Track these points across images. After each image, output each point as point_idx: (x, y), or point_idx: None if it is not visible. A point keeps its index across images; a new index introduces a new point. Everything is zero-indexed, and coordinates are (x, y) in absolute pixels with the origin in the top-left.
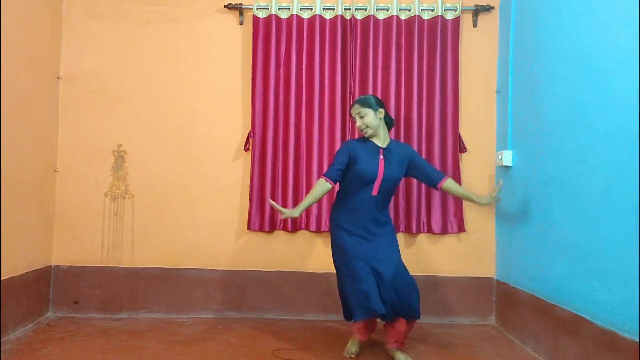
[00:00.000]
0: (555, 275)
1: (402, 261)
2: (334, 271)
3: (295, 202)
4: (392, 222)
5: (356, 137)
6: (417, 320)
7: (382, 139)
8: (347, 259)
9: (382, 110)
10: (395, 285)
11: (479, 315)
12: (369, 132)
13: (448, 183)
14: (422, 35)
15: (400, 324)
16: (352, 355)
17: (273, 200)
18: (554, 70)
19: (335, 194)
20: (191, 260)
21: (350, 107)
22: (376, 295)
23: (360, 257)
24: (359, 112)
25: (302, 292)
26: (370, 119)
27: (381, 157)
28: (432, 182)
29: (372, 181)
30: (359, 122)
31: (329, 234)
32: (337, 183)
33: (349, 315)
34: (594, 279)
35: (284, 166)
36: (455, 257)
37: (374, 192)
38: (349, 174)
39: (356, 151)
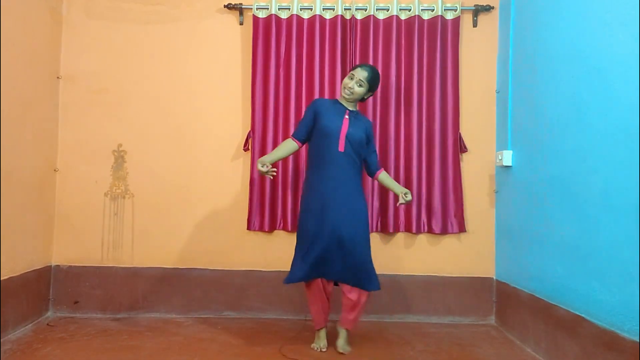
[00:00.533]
0: (555, 275)
1: (367, 234)
2: None
3: (296, 202)
4: (365, 202)
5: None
6: (427, 327)
7: (351, 106)
8: (306, 223)
9: (372, 94)
10: (349, 254)
11: (479, 315)
12: (350, 97)
13: (382, 175)
14: (422, 35)
15: (349, 292)
16: (324, 349)
17: (273, 200)
18: (554, 70)
19: (307, 156)
20: (191, 260)
21: (356, 66)
22: (313, 264)
23: (319, 224)
24: (360, 80)
25: (302, 292)
26: (361, 91)
27: (346, 116)
28: (370, 170)
29: (337, 137)
30: (351, 83)
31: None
32: (305, 144)
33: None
34: (594, 279)
35: (284, 166)
36: (455, 257)
37: (340, 147)
38: (315, 131)
39: (322, 108)
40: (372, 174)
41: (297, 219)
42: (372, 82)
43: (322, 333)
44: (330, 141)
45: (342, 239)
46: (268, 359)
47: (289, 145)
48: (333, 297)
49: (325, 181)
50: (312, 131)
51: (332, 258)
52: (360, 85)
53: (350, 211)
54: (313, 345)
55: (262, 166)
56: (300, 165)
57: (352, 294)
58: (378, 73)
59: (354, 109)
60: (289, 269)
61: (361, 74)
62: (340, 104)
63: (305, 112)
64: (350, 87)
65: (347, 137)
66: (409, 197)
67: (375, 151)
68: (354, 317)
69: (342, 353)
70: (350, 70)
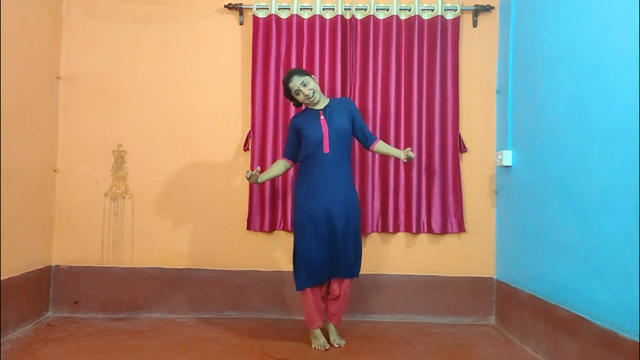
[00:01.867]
0: (555, 275)
1: (357, 227)
2: None
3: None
4: (356, 192)
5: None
6: (428, 327)
7: (321, 102)
8: (300, 232)
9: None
10: (344, 247)
11: (479, 315)
12: (317, 96)
13: (379, 145)
14: (422, 35)
15: (335, 285)
16: (326, 347)
17: (273, 200)
18: (554, 70)
19: (298, 170)
20: (191, 260)
21: (287, 82)
22: (320, 269)
23: (312, 231)
24: (303, 81)
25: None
26: (313, 85)
27: (322, 117)
28: (366, 144)
29: (320, 142)
30: (306, 91)
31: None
32: (296, 162)
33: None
34: (594, 279)
35: None
36: (455, 257)
37: (325, 149)
38: (302, 144)
39: (299, 124)
40: (368, 147)
41: (292, 221)
42: (304, 72)
43: (318, 331)
44: (315, 147)
45: (335, 225)
46: (268, 359)
47: (280, 165)
48: None
49: (314, 178)
50: (299, 147)
51: (332, 256)
52: (306, 84)
53: (344, 199)
54: (314, 345)
55: (247, 174)
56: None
57: (334, 286)
58: (296, 67)
59: (325, 102)
60: (289, 269)
61: (296, 79)
62: (309, 109)
63: (287, 134)
64: (308, 94)
65: (330, 137)
66: (411, 154)
67: (364, 124)
68: (341, 309)
69: (339, 346)
70: (286, 91)
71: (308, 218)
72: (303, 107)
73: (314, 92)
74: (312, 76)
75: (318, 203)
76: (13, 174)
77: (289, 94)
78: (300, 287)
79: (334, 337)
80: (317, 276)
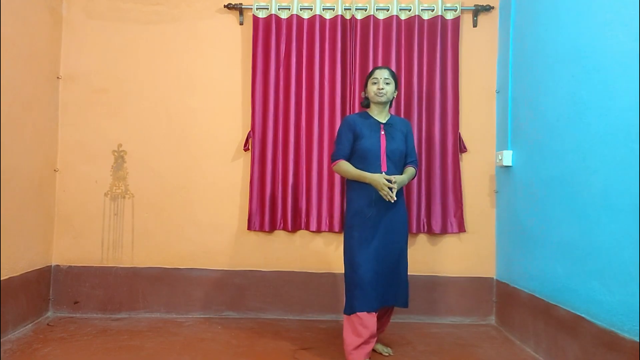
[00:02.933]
0: (555, 275)
1: (405, 249)
2: (334, 271)
3: (295, 202)
4: (405, 202)
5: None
6: (428, 328)
7: (384, 114)
8: (354, 254)
9: (396, 93)
10: (392, 274)
11: (479, 315)
12: (384, 99)
13: (406, 169)
14: (422, 35)
15: (383, 313)
16: None
17: (273, 200)
18: (553, 70)
19: (346, 180)
20: (191, 260)
21: (373, 70)
22: (372, 293)
23: (367, 251)
24: (387, 78)
25: (302, 292)
26: (391, 89)
27: (382, 132)
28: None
29: (377, 156)
30: (381, 85)
31: (330, 233)
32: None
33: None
34: (594, 279)
35: (284, 166)
36: (455, 257)
37: (383, 168)
38: (353, 152)
39: (358, 127)
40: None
41: (343, 242)
42: (395, 78)
43: None
44: (370, 162)
45: (390, 264)
46: (268, 359)
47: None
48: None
49: (371, 206)
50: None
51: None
52: (388, 83)
53: (397, 236)
54: None
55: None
56: (300, 165)
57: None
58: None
59: (387, 117)
60: (289, 269)
61: (382, 73)
62: (371, 117)
63: (341, 131)
64: (380, 88)
65: (387, 155)
66: (391, 184)
67: (414, 148)
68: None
69: (388, 355)
70: (367, 78)
71: (363, 255)
72: (357, 111)
73: (386, 92)
74: (397, 86)
75: (374, 254)
76: (13, 174)
77: (366, 81)
78: (355, 309)
79: (380, 346)
80: (368, 298)
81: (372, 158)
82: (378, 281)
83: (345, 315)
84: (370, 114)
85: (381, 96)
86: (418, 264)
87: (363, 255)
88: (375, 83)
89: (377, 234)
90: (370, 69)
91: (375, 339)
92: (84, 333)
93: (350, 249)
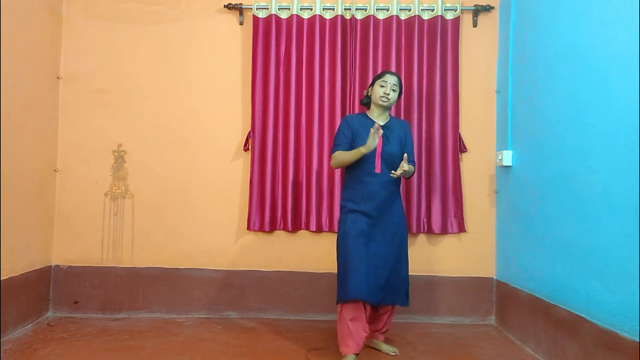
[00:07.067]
0: (555, 275)
1: (405, 249)
2: (334, 271)
3: (295, 202)
4: (402, 203)
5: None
6: (428, 328)
7: (383, 117)
8: (347, 242)
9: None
10: (390, 273)
11: (479, 315)
12: (387, 105)
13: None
14: (422, 35)
15: (383, 312)
16: None
17: (273, 200)
18: (553, 70)
19: (343, 179)
20: (191, 260)
21: (383, 73)
22: (365, 283)
23: (361, 243)
24: (395, 85)
25: (302, 292)
26: (395, 97)
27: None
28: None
29: (372, 157)
30: (388, 90)
31: (331, 233)
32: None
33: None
34: (594, 279)
35: (284, 166)
36: (455, 257)
37: (377, 169)
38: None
39: (356, 127)
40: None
41: (337, 241)
42: (401, 87)
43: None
44: (364, 163)
45: (388, 264)
46: (268, 359)
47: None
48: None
49: (363, 204)
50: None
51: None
52: (394, 90)
53: (392, 235)
54: None
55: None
56: (300, 165)
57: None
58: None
59: (387, 120)
60: (289, 269)
61: (392, 79)
62: (371, 118)
63: (340, 129)
64: (386, 94)
65: (382, 157)
66: (400, 172)
67: (412, 150)
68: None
69: (395, 354)
70: (375, 79)
71: (356, 253)
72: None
73: (391, 98)
74: (400, 94)
75: (368, 254)
76: (13, 174)
77: (373, 82)
78: (341, 298)
79: (385, 347)
80: (359, 287)
81: (367, 159)
82: (372, 276)
83: (338, 306)
84: (370, 115)
85: (385, 101)
86: (418, 264)
87: (355, 246)
88: (383, 86)
89: (374, 234)
90: (370, 69)
91: (367, 333)
92: (84, 333)
93: (343, 236)
